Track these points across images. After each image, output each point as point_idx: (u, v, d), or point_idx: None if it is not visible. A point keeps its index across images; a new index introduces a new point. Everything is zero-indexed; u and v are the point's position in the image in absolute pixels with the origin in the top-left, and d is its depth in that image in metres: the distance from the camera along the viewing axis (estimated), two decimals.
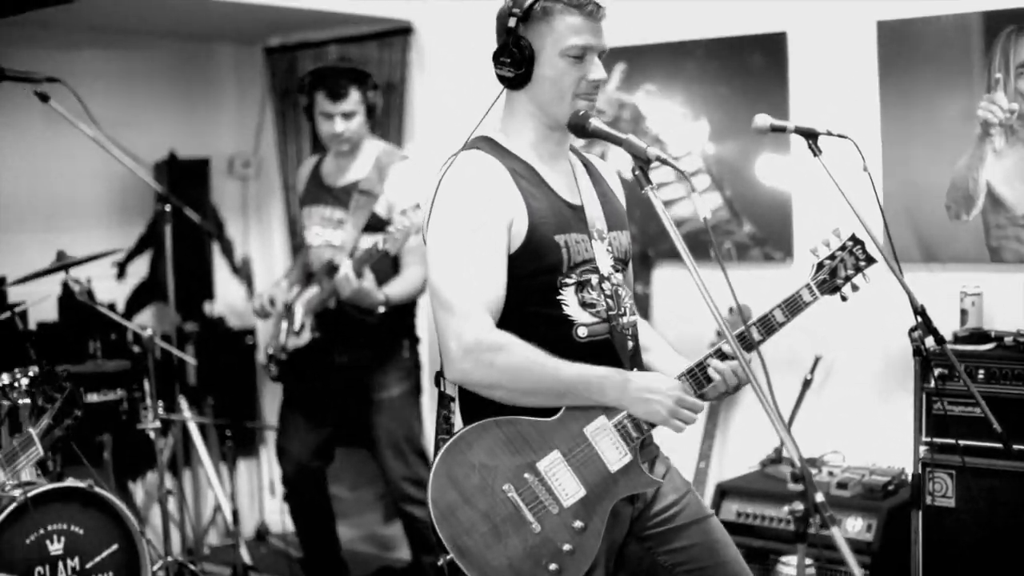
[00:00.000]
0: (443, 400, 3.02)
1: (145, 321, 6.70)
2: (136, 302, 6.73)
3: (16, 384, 4.72)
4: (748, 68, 5.51)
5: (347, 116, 5.11)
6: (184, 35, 6.82)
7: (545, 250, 2.95)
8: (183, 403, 5.99)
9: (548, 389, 2.89)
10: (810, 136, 3.71)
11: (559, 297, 2.98)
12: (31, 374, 4.75)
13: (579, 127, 3.02)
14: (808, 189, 5.33)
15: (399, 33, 6.47)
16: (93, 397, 5.25)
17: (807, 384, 5.25)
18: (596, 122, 3.00)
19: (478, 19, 5.70)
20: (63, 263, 5.04)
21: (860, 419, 5.27)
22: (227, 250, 7.11)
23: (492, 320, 2.88)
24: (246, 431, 6.76)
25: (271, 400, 6.64)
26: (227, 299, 7.06)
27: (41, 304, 5.84)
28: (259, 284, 7.04)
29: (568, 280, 2.99)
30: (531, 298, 2.96)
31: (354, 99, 5.10)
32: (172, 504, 5.84)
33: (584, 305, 3.01)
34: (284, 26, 6.75)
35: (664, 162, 2.84)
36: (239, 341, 6.92)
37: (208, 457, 6.28)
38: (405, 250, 5.04)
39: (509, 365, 2.85)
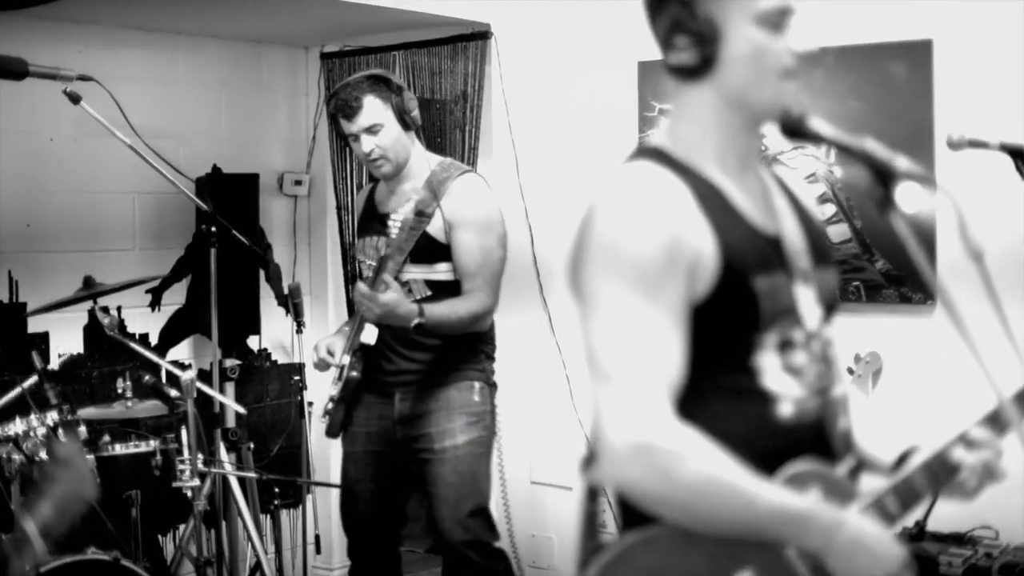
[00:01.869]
0: (592, 494, 2.26)
1: (182, 355, 6.21)
2: (171, 334, 6.19)
3: (32, 434, 4.06)
4: (886, 79, 4.81)
5: (371, 131, 4.41)
6: (232, 36, 6.36)
7: (741, 300, 2.18)
8: (222, 450, 5.46)
9: (733, 519, 2.11)
10: (1019, 155, 3.02)
11: (756, 363, 2.21)
12: (50, 422, 4.10)
13: (793, 127, 2.25)
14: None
15: (476, 37, 5.91)
16: (119, 448, 4.54)
17: None
18: (820, 123, 2.23)
19: (564, 22, 5.71)
20: (92, 291, 4.39)
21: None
22: (274, 277, 6.58)
23: (672, 407, 2.12)
24: (290, 485, 6.11)
25: (322, 446, 6.02)
26: (273, 332, 6.53)
27: (65, 335, 5.58)
28: (309, 317, 6.46)
29: (767, 339, 2.23)
30: (718, 365, 2.20)
31: (372, 109, 4.40)
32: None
33: (789, 372, 2.25)
34: (344, 29, 6.29)
35: (922, 180, 2.08)
36: (285, 379, 6.48)
37: (247, 510, 5.67)
38: (467, 270, 4.39)
39: (691, 481, 2.07)
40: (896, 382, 4.60)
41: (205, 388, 4.62)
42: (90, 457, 4.33)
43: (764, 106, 2.25)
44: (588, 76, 5.70)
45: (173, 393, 4.40)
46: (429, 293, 4.41)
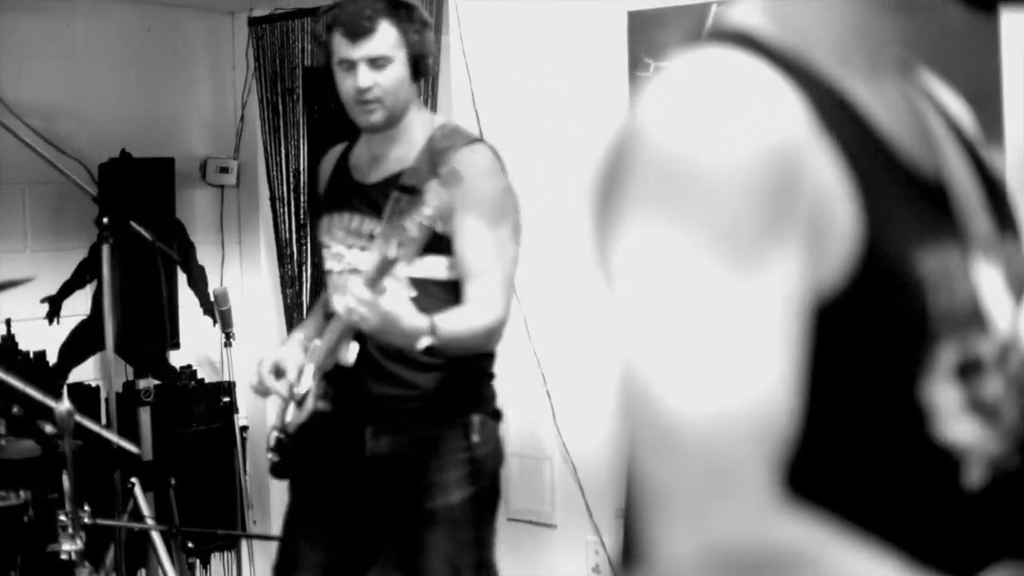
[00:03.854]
0: None
1: (87, 376, 5.66)
2: (73, 351, 5.65)
3: None
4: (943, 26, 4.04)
5: (376, 64, 3.58)
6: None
7: (895, 291, 1.32)
8: (137, 489, 4.82)
9: None
10: None
11: (923, 398, 1.35)
12: None
13: None
14: None
15: None
16: None
17: None
18: None
19: None
20: None
21: None
22: (198, 281, 6.16)
23: (779, 477, 1.26)
24: (218, 537, 5.54)
25: (260, 475, 5.48)
26: (198, 346, 6.08)
27: None
28: (239, 327, 6.02)
29: (941, 358, 1.35)
30: (856, 404, 1.35)
31: (385, 38, 3.59)
32: None
33: (978, 412, 1.37)
34: None
35: None
36: (213, 400, 5.88)
37: (169, 560, 4.95)
38: (474, 269, 3.52)
39: None
40: None
41: (86, 422, 3.77)
42: None
43: None
44: (566, 32, 5.05)
45: (48, 429, 3.55)
46: (413, 294, 3.51)
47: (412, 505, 3.64)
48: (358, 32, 3.57)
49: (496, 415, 3.74)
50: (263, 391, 3.70)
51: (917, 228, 1.31)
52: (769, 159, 1.22)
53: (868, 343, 1.29)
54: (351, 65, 3.57)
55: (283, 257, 6.04)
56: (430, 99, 5.30)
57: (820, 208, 1.24)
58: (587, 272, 4.49)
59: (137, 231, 4.38)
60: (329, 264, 3.74)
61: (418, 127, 3.64)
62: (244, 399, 5.72)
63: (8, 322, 5.21)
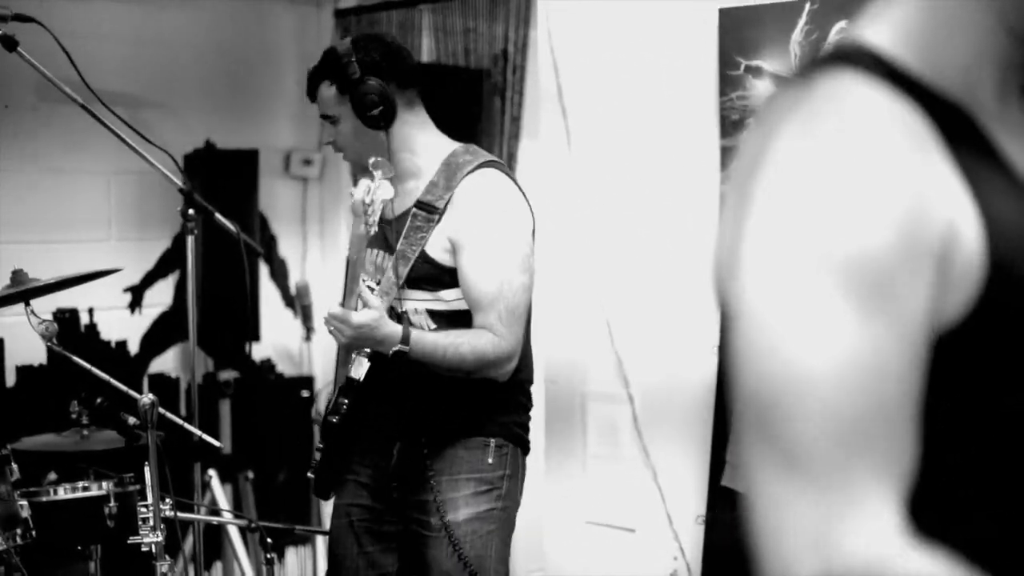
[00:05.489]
0: None
1: (167, 367, 5.69)
2: (155, 342, 5.66)
3: None
4: None
5: (329, 119, 3.80)
6: None
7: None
8: (214, 481, 4.88)
9: None
10: None
11: None
12: None
13: None
14: None
15: None
16: (62, 492, 3.74)
17: None
18: None
19: None
20: (21, 288, 3.64)
21: None
22: (279, 274, 6.15)
23: (902, 514, 1.23)
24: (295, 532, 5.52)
25: None
26: (278, 339, 6.07)
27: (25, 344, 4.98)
28: (320, 322, 5.79)
29: None
30: (985, 438, 1.33)
31: (324, 100, 3.73)
32: None
33: None
34: None
35: None
36: (292, 394, 5.94)
37: (245, 553, 5.06)
38: (477, 303, 3.58)
39: None
40: None
41: (169, 415, 3.74)
42: (23, 503, 3.54)
43: None
44: (656, 29, 4.93)
45: (131, 420, 3.52)
46: (433, 326, 3.54)
47: (422, 521, 3.70)
48: (310, 97, 3.81)
49: (520, 442, 3.79)
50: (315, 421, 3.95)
51: None
52: (898, 201, 1.22)
53: (992, 372, 1.27)
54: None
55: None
56: (516, 95, 5.32)
57: (948, 240, 1.23)
58: (673, 274, 4.40)
59: (222, 223, 4.34)
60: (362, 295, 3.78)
61: (431, 154, 3.67)
62: (323, 394, 5.67)
63: (91, 311, 5.24)
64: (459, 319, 3.58)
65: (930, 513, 1.25)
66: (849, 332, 1.19)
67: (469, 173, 3.61)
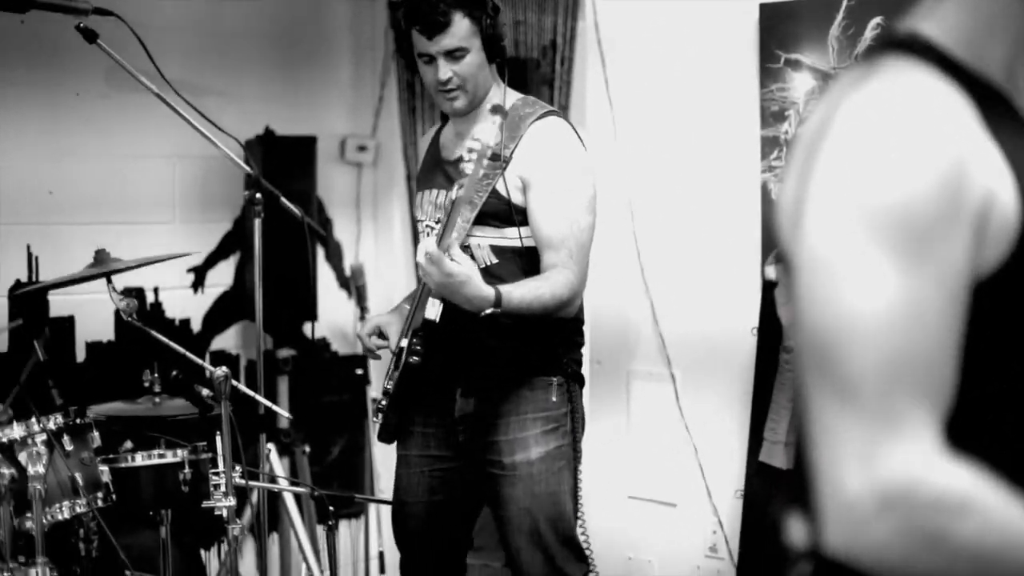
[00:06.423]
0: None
1: (228, 344, 5.71)
2: (216, 320, 5.66)
3: (30, 441, 3.39)
4: None
5: (452, 56, 3.68)
6: None
7: None
8: (274, 454, 4.86)
9: None
10: None
11: None
12: (53, 426, 3.45)
13: None
14: None
15: None
16: (140, 459, 3.88)
17: None
18: None
19: None
20: (104, 268, 3.77)
21: None
22: (334, 256, 6.11)
23: (942, 436, 1.42)
24: (348, 503, 5.60)
25: (389, 448, 5.54)
26: (333, 318, 6.05)
27: (93, 320, 5.12)
28: (373, 302, 6.02)
29: None
30: (1012, 371, 1.51)
31: (460, 30, 3.68)
32: None
33: None
34: None
35: None
36: (347, 372, 5.91)
37: (301, 523, 5.06)
38: (548, 241, 3.62)
39: (972, 547, 1.41)
40: None
41: (243, 388, 3.90)
42: (104, 468, 3.67)
43: None
44: (699, 23, 5.00)
45: (205, 393, 3.68)
46: (495, 261, 3.65)
47: (495, 461, 3.78)
48: (433, 28, 3.65)
49: (577, 379, 3.85)
50: (373, 353, 3.92)
51: None
52: (942, 167, 1.40)
53: (1020, 317, 1.46)
54: (430, 59, 3.69)
55: (416, 234, 5.69)
56: (564, 85, 5.29)
57: (986, 203, 1.41)
58: (715, 259, 4.55)
59: (286, 206, 4.42)
60: (424, 234, 3.81)
61: (497, 101, 3.67)
62: (376, 372, 5.72)
63: (156, 290, 5.28)
64: (520, 255, 3.66)
65: (971, 437, 1.43)
66: (894, 280, 1.38)
67: (535, 121, 3.69)
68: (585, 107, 5.31)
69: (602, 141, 5.18)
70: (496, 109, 3.31)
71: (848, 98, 1.47)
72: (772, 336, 4.46)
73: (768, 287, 4.53)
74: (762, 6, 4.72)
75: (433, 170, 3.91)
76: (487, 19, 3.69)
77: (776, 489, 4.37)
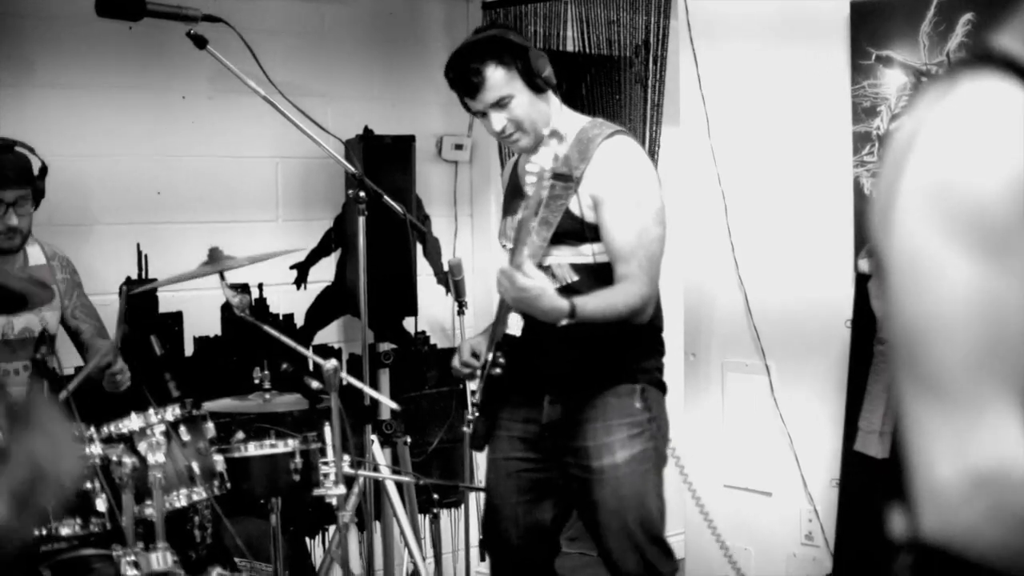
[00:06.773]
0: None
1: (330, 339, 5.79)
2: (319, 315, 5.74)
3: (149, 432, 3.52)
4: None
5: (500, 105, 3.75)
6: None
7: None
8: (376, 445, 4.95)
9: None
10: None
11: None
12: (171, 417, 3.57)
13: None
14: None
15: None
16: (252, 448, 3.97)
17: None
18: None
19: None
20: (217, 266, 3.88)
21: None
22: (432, 252, 6.15)
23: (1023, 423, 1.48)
24: (450, 493, 5.66)
25: None
26: (431, 313, 6.10)
27: (201, 316, 5.26)
28: (471, 297, 5.98)
29: None
30: None
31: (496, 81, 3.74)
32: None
33: None
34: None
35: None
36: (445, 365, 5.64)
37: (404, 512, 5.13)
38: (619, 253, 3.71)
39: None
40: None
41: (352, 380, 3.99)
42: (219, 458, 3.76)
43: None
44: (790, 21, 5.01)
45: (315, 385, 3.78)
46: (576, 278, 3.74)
47: (582, 466, 3.87)
48: (471, 89, 3.74)
49: (660, 385, 3.94)
50: (468, 374, 3.98)
51: None
52: (1018, 170, 1.46)
53: None
54: (483, 114, 3.78)
55: None
56: (657, 83, 5.36)
57: None
58: (808, 254, 4.57)
59: (389, 204, 4.48)
60: None
61: (565, 127, 3.67)
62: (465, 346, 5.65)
63: (260, 286, 5.38)
64: (598, 271, 3.74)
65: None
66: (974, 276, 1.45)
67: (604, 140, 3.76)
68: (679, 104, 5.35)
69: (696, 138, 5.22)
70: (553, 134, 3.36)
71: (932, 108, 1.54)
72: (866, 328, 4.50)
73: (861, 280, 4.56)
74: (853, 3, 4.74)
75: (513, 198, 3.99)
76: (518, 61, 3.76)
77: (873, 479, 4.41)
